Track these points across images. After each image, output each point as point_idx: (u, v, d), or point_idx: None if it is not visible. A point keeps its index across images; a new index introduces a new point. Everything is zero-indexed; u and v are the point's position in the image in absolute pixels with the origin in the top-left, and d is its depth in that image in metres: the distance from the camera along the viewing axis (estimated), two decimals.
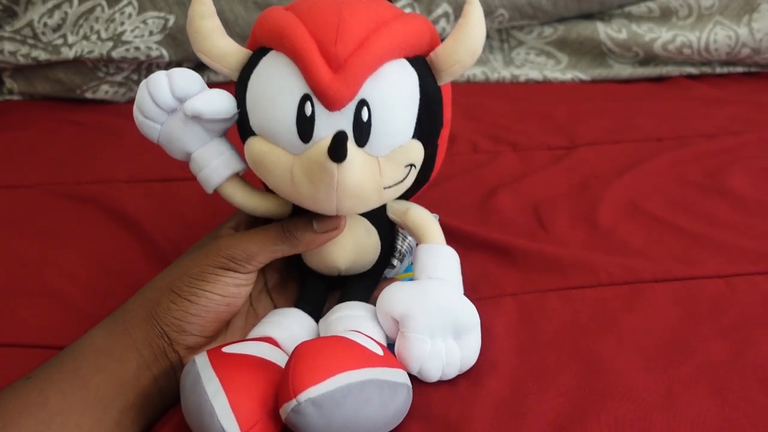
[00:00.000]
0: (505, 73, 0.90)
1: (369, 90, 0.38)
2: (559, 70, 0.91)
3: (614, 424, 0.39)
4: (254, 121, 0.40)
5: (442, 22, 0.87)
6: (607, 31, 0.89)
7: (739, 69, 0.89)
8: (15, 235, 0.60)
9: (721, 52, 0.87)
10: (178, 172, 0.66)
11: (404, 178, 0.41)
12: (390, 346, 0.42)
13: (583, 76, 0.90)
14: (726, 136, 0.73)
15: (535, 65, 0.92)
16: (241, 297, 0.42)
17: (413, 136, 0.40)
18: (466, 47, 0.40)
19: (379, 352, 0.39)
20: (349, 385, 0.35)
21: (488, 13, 0.87)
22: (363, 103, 0.38)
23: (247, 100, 0.40)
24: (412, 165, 0.40)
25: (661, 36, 0.87)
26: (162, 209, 0.63)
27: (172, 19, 0.81)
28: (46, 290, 0.54)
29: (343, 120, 0.37)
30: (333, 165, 0.36)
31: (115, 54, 0.80)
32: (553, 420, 0.40)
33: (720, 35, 0.86)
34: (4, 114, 0.83)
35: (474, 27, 0.40)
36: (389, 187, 0.40)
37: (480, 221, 0.60)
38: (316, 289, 0.47)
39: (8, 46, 0.81)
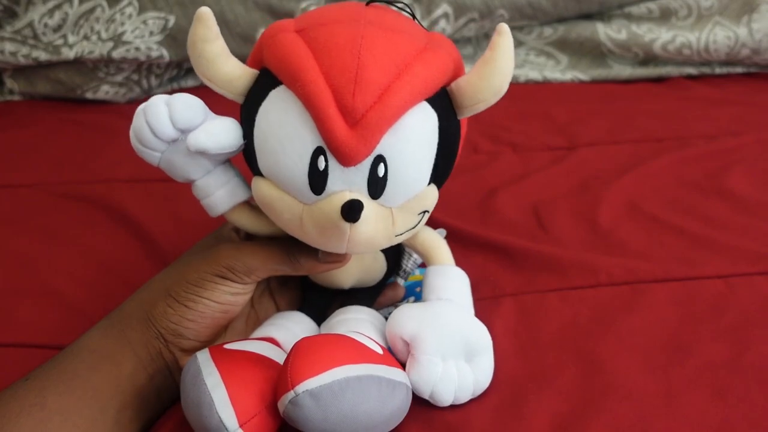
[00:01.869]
0: None
1: (386, 145, 0.36)
2: (558, 71, 0.91)
3: (614, 424, 0.39)
4: (263, 164, 0.38)
5: (442, 23, 0.87)
6: (607, 32, 0.89)
7: (739, 69, 0.89)
8: (15, 234, 0.60)
9: (721, 53, 0.87)
10: None
11: (417, 224, 0.40)
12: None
13: (582, 77, 0.90)
14: (726, 136, 0.73)
15: (535, 65, 0.92)
16: (238, 305, 0.42)
17: (429, 182, 0.38)
18: (491, 86, 0.37)
19: (379, 351, 0.39)
20: (348, 379, 0.35)
21: (488, 14, 0.87)
22: (380, 158, 0.36)
23: (255, 137, 0.38)
24: (425, 211, 0.39)
25: (660, 36, 0.87)
26: (162, 209, 0.63)
27: (172, 20, 0.81)
28: (46, 290, 0.54)
29: (357, 175, 0.36)
30: (346, 224, 0.35)
31: (115, 54, 0.80)
32: (553, 420, 0.40)
33: (719, 36, 0.86)
34: (4, 114, 0.83)
35: (502, 62, 0.36)
36: (401, 234, 0.39)
37: (480, 221, 0.60)
38: (320, 295, 0.47)
39: (9, 47, 0.81)
